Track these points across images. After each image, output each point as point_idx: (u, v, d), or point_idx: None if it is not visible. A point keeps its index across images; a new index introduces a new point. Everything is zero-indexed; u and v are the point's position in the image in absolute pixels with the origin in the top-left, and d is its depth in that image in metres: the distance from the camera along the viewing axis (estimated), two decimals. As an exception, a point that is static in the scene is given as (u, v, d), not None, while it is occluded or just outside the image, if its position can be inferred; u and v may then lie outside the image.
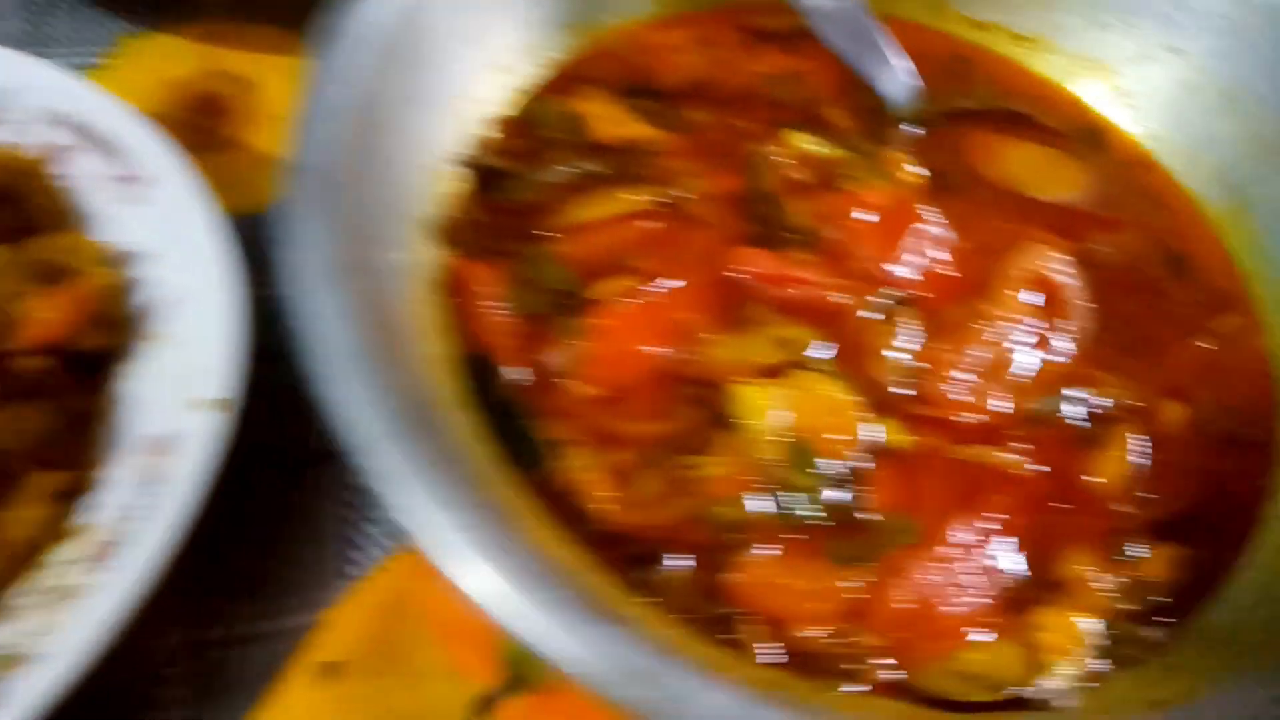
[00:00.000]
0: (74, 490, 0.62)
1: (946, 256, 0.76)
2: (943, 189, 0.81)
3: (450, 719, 0.66)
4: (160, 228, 0.71)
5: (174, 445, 0.61)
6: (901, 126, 0.84)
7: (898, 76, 0.85)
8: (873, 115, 0.85)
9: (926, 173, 0.81)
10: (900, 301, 0.73)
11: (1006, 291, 0.74)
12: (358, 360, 0.51)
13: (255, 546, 0.72)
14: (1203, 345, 0.76)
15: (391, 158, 0.65)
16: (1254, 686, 0.56)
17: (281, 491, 0.72)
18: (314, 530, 0.72)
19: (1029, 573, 0.65)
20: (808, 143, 0.81)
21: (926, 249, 0.76)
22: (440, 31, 0.72)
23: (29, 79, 0.77)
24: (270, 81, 0.95)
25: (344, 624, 0.68)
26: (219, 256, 0.67)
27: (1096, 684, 0.60)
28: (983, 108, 0.87)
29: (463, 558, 0.46)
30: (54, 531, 0.60)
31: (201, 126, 0.93)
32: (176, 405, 0.63)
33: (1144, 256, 0.81)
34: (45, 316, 0.64)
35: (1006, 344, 0.72)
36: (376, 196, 0.62)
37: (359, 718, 0.65)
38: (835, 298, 0.74)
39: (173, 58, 0.98)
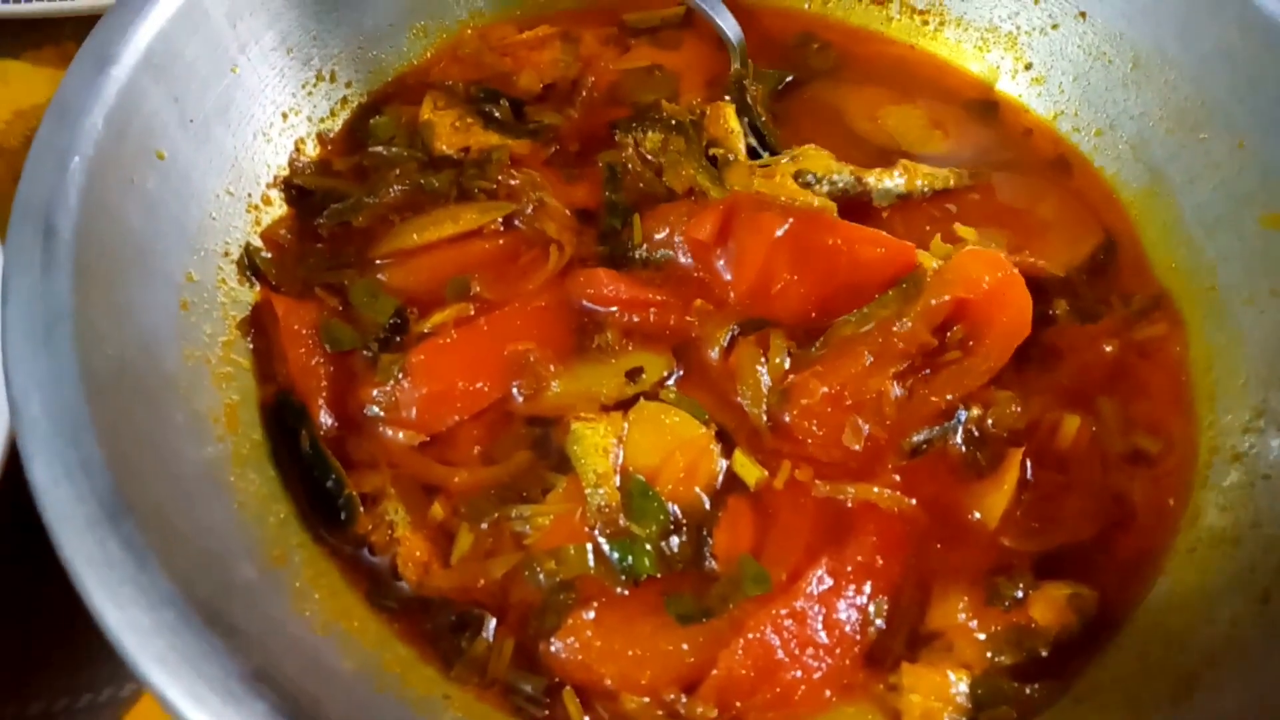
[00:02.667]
0: None
1: (828, 268, 0.68)
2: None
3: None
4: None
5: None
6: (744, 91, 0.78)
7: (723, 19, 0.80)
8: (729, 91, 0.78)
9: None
10: (769, 323, 0.66)
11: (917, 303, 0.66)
12: (68, 433, 0.45)
13: (71, 621, 0.67)
14: (1108, 349, 0.68)
15: (166, 190, 0.59)
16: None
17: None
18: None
19: (898, 623, 0.58)
20: (647, 139, 0.73)
21: (805, 262, 0.68)
22: (236, 42, 0.65)
23: None
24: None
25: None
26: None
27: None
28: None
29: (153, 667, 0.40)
30: None
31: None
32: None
33: (1070, 249, 0.73)
34: None
35: (893, 364, 0.65)
36: (139, 237, 0.56)
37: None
38: (695, 321, 0.67)
39: (26, 85, 0.93)
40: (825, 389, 0.62)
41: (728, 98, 0.76)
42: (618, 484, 0.60)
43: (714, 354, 0.65)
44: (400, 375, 0.63)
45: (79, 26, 0.94)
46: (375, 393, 0.62)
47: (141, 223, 0.57)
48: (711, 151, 0.73)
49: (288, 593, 0.52)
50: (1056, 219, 0.75)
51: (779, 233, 0.67)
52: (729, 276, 0.67)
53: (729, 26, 0.79)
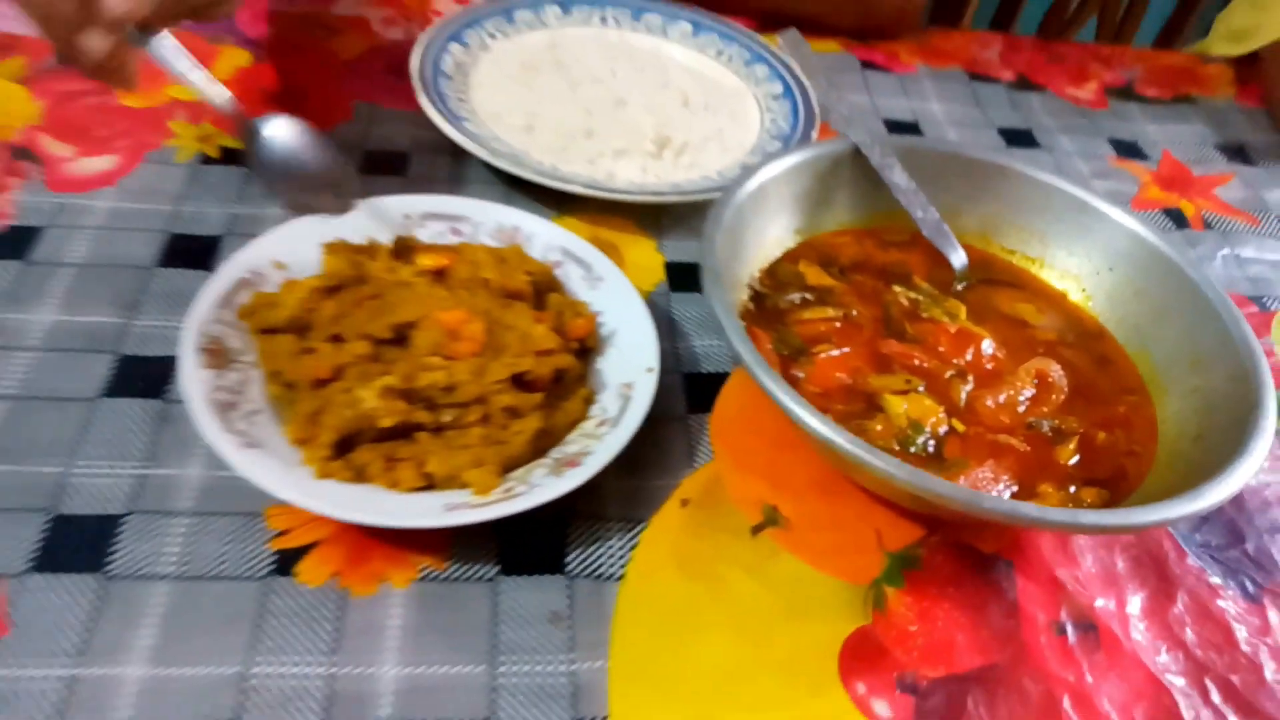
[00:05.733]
0: (591, 400, 1.38)
1: (990, 353, 1.52)
2: (982, 318, 1.59)
3: (738, 531, 1.36)
4: (609, 298, 1.50)
5: (633, 386, 1.38)
6: (957, 286, 1.63)
7: (958, 254, 1.65)
8: (941, 283, 1.64)
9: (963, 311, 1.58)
10: (961, 372, 1.49)
11: (1023, 373, 1.49)
12: (726, 308, 1.27)
13: (656, 446, 1.45)
14: (1119, 409, 1.50)
15: (737, 265, 1.44)
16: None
17: (667, 424, 1.47)
18: (678, 441, 1.45)
19: (1018, 493, 1.36)
20: (906, 294, 1.59)
21: (978, 349, 1.52)
22: (755, 220, 1.53)
23: (538, 228, 1.60)
24: (628, 248, 1.77)
25: (693, 483, 1.40)
26: (639, 311, 1.46)
27: (1051, 530, 1.31)
28: (1000, 279, 1.67)
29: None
30: (583, 415, 1.36)
31: (591, 267, 1.73)
32: (630, 371, 1.40)
33: (1088, 362, 1.56)
34: (563, 338, 1.42)
35: (1019, 396, 1.47)
36: (728, 279, 1.40)
37: (697, 527, 1.36)
38: (929, 366, 1.49)
39: (573, 228, 1.81)
40: (988, 395, 1.44)
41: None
42: (905, 422, 1.40)
43: (943, 379, 1.47)
44: (806, 368, 1.45)
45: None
46: (795, 372, 1.45)
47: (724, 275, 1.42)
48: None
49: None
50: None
51: (985, 344, 1.50)
52: (956, 349, 1.50)
53: (956, 258, 1.65)
